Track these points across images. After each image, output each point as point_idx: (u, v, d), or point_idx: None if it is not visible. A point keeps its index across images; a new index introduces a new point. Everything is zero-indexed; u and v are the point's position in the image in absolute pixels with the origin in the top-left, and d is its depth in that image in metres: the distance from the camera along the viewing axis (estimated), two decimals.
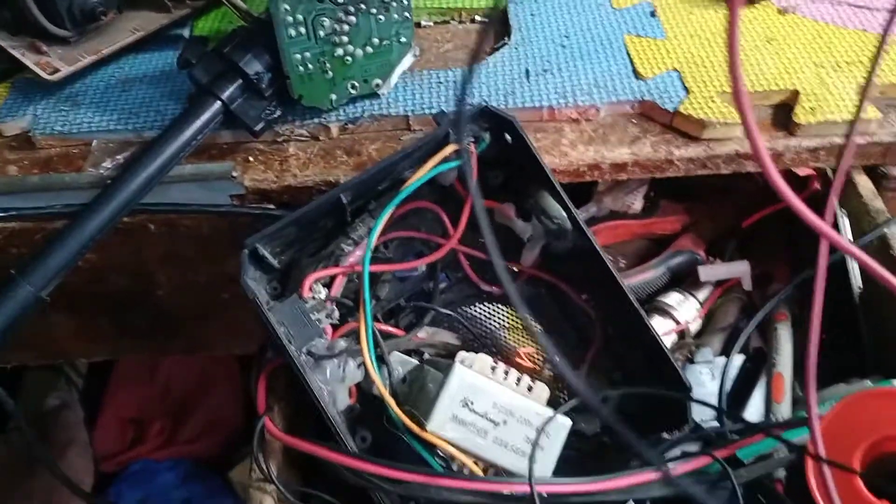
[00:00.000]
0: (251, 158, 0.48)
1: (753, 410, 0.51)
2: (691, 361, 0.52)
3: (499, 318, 0.48)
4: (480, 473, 0.38)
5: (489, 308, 0.48)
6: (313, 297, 0.40)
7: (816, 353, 0.35)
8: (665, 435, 0.42)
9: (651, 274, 0.56)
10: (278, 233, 0.39)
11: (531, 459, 0.38)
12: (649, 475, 0.39)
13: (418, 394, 0.41)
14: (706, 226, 0.59)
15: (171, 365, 1.02)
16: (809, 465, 0.39)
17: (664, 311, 0.54)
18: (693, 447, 0.43)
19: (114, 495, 0.95)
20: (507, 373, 0.41)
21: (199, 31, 0.57)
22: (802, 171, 0.51)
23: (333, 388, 0.41)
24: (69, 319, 0.55)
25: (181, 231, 0.48)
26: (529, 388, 0.41)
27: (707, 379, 0.52)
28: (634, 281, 0.55)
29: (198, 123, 0.45)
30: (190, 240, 0.49)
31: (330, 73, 0.46)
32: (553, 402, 0.45)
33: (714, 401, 0.49)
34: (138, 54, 0.54)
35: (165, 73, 0.53)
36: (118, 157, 0.48)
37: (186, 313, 0.55)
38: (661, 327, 0.54)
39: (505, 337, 0.47)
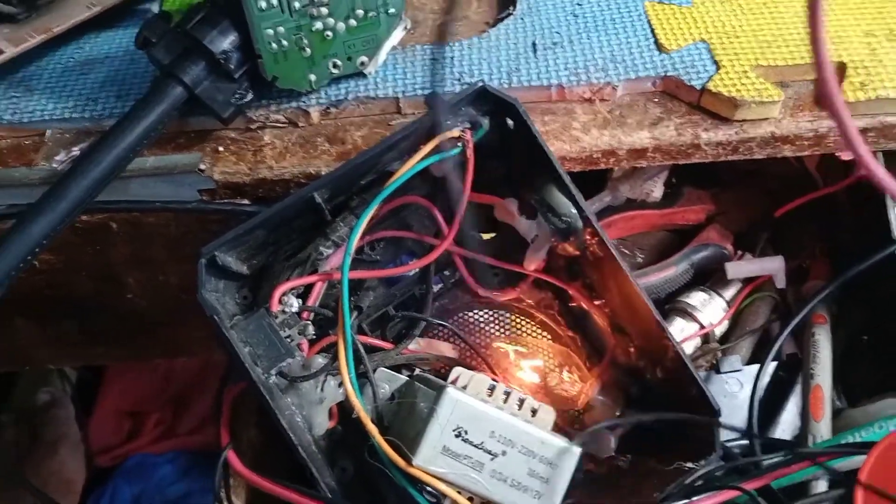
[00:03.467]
0: (221, 148, 0.42)
1: (786, 427, 0.46)
2: (717, 371, 0.47)
3: (500, 325, 0.43)
4: None
5: (489, 315, 0.42)
6: (283, 311, 0.35)
7: None
8: (689, 464, 0.36)
9: (672, 270, 0.50)
10: (242, 238, 0.34)
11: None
12: None
13: (407, 417, 0.36)
14: (734, 216, 0.53)
15: None
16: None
17: (686, 313, 0.49)
18: (719, 472, 0.38)
19: (109, 491, 0.93)
20: (507, 394, 0.36)
21: (170, 6, 0.51)
22: (846, 155, 0.45)
23: (309, 411, 0.36)
24: (31, 325, 0.50)
25: (147, 230, 0.44)
26: (533, 412, 0.36)
27: (735, 389, 0.47)
28: (654, 279, 0.50)
29: (158, 111, 0.39)
30: (157, 239, 0.44)
31: (308, 50, 0.41)
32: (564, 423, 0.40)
33: (742, 414, 0.44)
34: (101, 32, 0.49)
35: (130, 54, 0.47)
36: (74, 148, 0.43)
37: (160, 317, 0.50)
38: (684, 330, 0.49)
39: (509, 349, 0.42)
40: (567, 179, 0.37)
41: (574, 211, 0.37)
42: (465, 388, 0.35)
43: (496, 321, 0.43)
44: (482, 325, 0.43)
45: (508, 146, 0.38)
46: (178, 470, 0.93)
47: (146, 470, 0.94)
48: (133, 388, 0.99)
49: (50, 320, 0.51)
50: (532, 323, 0.43)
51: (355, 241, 0.35)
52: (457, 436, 0.33)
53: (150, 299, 0.49)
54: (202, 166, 0.41)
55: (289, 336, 0.34)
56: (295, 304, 0.35)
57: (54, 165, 0.42)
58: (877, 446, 0.34)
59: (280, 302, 0.35)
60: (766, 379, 0.44)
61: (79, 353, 0.54)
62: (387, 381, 0.38)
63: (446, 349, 0.41)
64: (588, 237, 0.38)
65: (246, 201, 0.42)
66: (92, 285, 0.48)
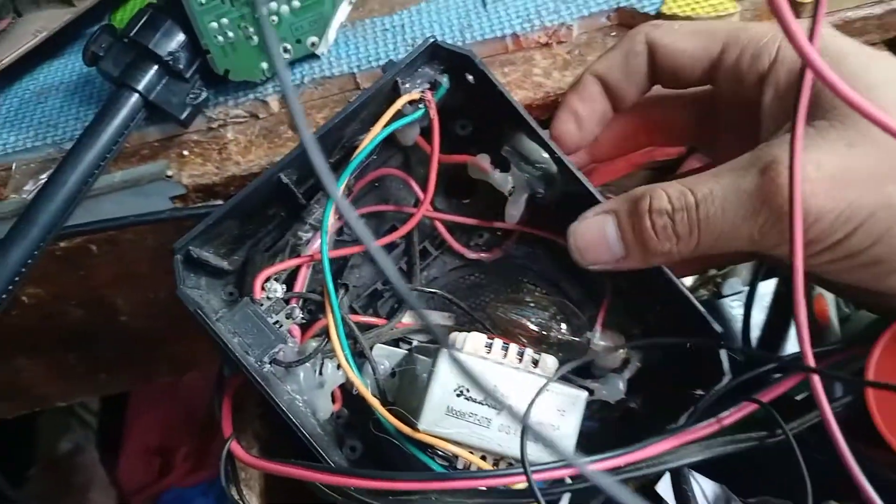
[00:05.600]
0: (186, 152, 0.42)
1: (795, 342, 0.45)
2: (718, 296, 0.46)
3: (494, 287, 0.42)
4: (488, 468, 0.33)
5: (480, 277, 0.42)
6: (268, 298, 0.34)
7: None
8: (699, 392, 0.36)
9: None
10: (212, 229, 0.33)
11: (522, 444, 0.32)
12: (685, 437, 0.34)
13: (409, 387, 0.36)
14: None
15: (191, 382, 0.99)
16: (871, 398, 0.33)
17: None
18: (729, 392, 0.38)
19: None
20: (505, 349, 0.35)
21: (119, 23, 0.51)
22: None
23: (310, 396, 0.36)
24: (33, 362, 0.50)
25: (126, 247, 0.43)
26: (535, 363, 0.35)
27: (740, 312, 0.46)
28: None
29: (115, 123, 0.39)
30: (138, 255, 0.44)
31: (255, 38, 0.40)
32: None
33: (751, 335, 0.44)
34: (54, 61, 0.49)
35: (84, 75, 0.47)
36: (41, 176, 0.43)
37: (157, 335, 0.50)
38: None
39: (504, 307, 0.42)
40: (534, 124, 0.36)
41: (546, 155, 0.37)
42: (461, 348, 0.35)
43: (490, 282, 0.42)
44: (474, 288, 0.42)
45: (472, 102, 0.38)
46: (213, 500, 0.93)
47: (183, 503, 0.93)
48: (156, 425, 0.99)
49: (51, 356, 0.51)
50: (524, 278, 0.42)
51: (330, 218, 0.35)
52: (458, 395, 0.33)
53: (143, 318, 0.49)
54: (169, 172, 0.41)
55: (277, 322, 0.34)
56: (279, 289, 0.35)
57: (24, 196, 0.42)
58: (883, 334, 0.33)
59: (263, 289, 0.34)
60: (762, 295, 0.43)
61: (85, 386, 0.54)
62: (385, 357, 0.38)
63: (441, 318, 0.41)
64: None
65: (219, 202, 0.42)
66: (83, 312, 0.48)
